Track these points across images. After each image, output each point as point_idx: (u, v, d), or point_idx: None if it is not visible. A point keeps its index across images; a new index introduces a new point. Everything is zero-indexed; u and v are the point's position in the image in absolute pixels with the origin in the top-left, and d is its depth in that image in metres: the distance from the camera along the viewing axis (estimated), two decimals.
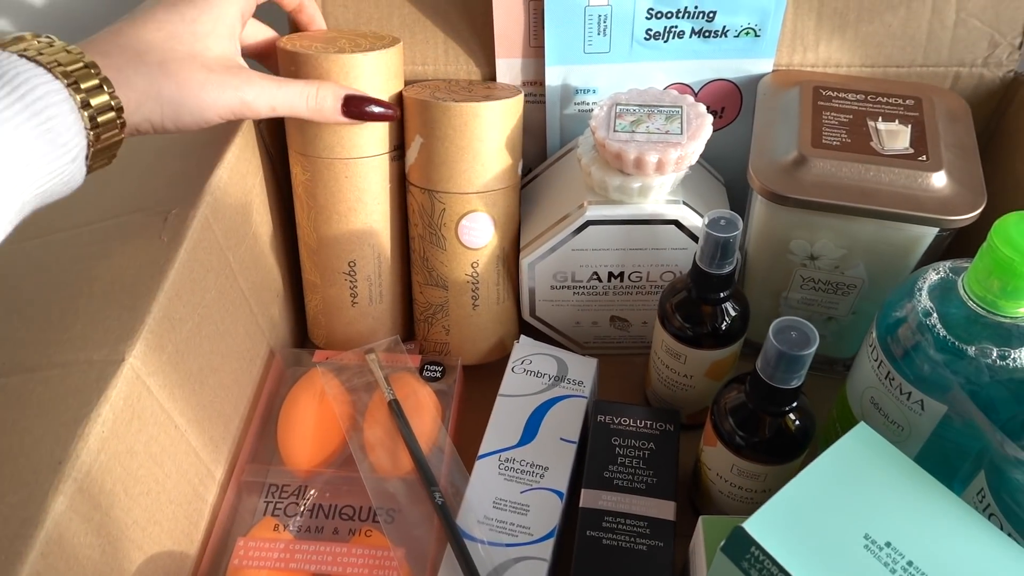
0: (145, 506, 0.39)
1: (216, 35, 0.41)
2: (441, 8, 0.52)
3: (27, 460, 0.35)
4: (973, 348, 0.37)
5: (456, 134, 0.48)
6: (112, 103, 0.35)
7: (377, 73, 0.48)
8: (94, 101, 0.34)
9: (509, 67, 0.53)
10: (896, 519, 0.33)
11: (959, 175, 0.44)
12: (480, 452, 0.47)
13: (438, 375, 0.54)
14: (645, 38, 0.50)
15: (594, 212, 0.48)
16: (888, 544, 0.32)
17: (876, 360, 0.42)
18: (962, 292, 0.38)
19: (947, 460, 0.41)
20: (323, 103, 0.45)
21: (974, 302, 0.37)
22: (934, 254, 0.46)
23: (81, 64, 0.34)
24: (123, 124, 0.36)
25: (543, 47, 0.51)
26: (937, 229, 0.44)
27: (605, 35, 0.50)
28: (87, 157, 0.35)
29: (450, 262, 0.53)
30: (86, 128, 0.34)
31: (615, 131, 0.46)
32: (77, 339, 0.40)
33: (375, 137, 0.50)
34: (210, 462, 0.46)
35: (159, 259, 0.43)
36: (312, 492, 0.49)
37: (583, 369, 0.51)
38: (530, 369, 0.51)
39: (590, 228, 0.49)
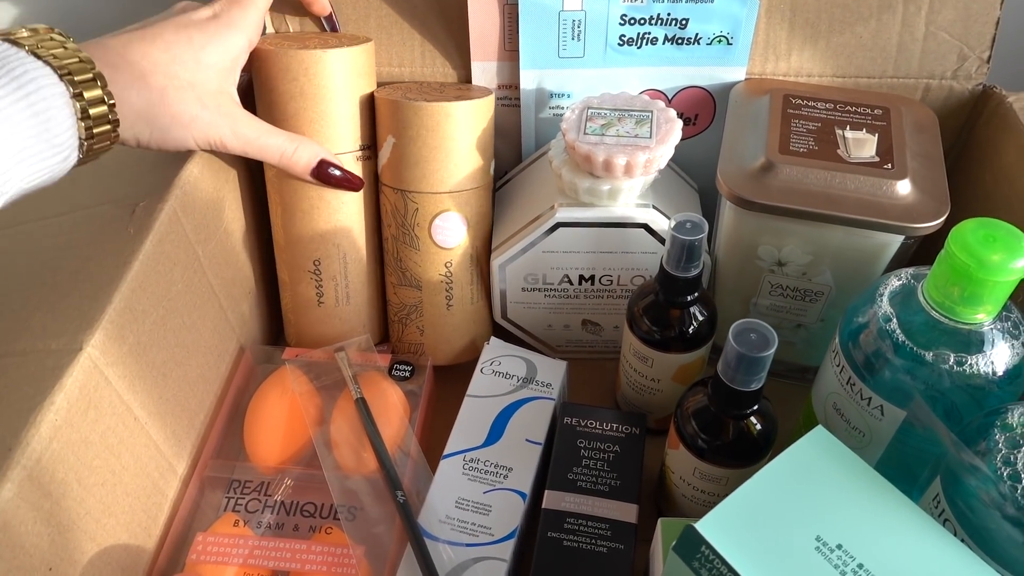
0: (100, 497, 0.39)
1: (219, 68, 0.42)
2: (418, 11, 0.53)
3: None
4: (931, 354, 0.37)
5: (428, 134, 0.48)
6: (110, 116, 0.37)
7: (342, 70, 0.48)
8: (93, 111, 0.36)
9: (484, 70, 0.53)
10: (849, 522, 0.33)
11: (924, 184, 0.45)
12: (445, 452, 0.47)
13: (407, 375, 0.53)
14: (619, 44, 0.51)
15: (564, 214, 0.49)
16: (839, 546, 0.32)
17: (839, 366, 0.42)
18: (921, 299, 0.38)
19: (908, 466, 0.41)
20: (296, 160, 0.47)
21: (933, 308, 0.37)
22: (900, 262, 0.46)
23: (90, 75, 0.35)
24: (115, 137, 0.38)
25: (518, 51, 0.51)
26: (902, 237, 0.44)
27: (579, 40, 0.51)
28: (76, 159, 0.36)
29: (423, 262, 0.53)
30: (81, 135, 0.35)
31: (585, 134, 0.47)
32: (36, 328, 0.39)
33: (340, 135, 0.50)
34: (172, 456, 0.46)
35: (124, 250, 0.43)
36: (277, 489, 0.49)
37: (552, 371, 0.51)
38: (499, 370, 0.51)
39: (560, 230, 0.49)
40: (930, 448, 0.40)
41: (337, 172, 0.48)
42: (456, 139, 0.49)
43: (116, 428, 0.40)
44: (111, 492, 0.40)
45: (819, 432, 0.37)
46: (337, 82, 0.48)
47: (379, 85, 0.54)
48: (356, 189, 0.50)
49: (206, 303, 0.49)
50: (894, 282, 0.40)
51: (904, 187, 0.44)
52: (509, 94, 0.54)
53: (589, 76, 0.52)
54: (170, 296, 0.45)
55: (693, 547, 0.32)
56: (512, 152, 0.57)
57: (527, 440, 0.47)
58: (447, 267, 0.53)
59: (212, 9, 0.43)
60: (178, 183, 0.46)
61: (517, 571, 0.44)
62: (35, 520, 0.34)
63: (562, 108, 0.54)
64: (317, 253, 0.53)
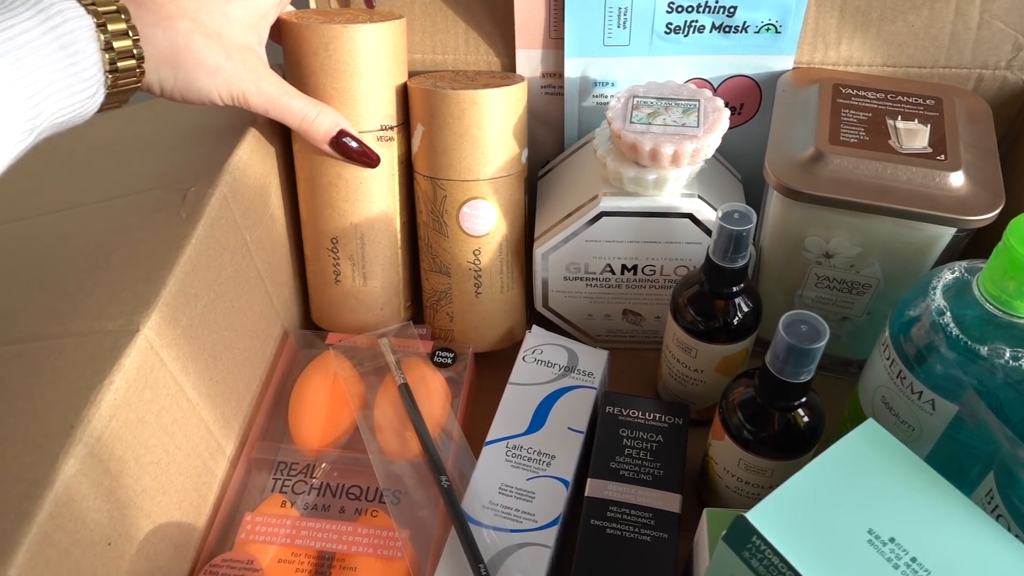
0: (154, 475, 0.40)
1: (245, 23, 0.42)
2: None
3: (40, 424, 0.35)
4: (986, 348, 0.37)
5: (455, 121, 0.48)
6: (134, 51, 0.37)
7: (365, 47, 0.48)
8: (118, 44, 0.35)
9: (529, 58, 0.53)
10: (901, 515, 0.33)
11: (978, 176, 0.44)
12: (488, 438, 0.47)
13: (449, 361, 0.54)
14: (665, 32, 0.50)
15: (608, 203, 0.48)
16: (892, 540, 0.32)
17: (888, 359, 0.41)
18: (976, 292, 0.37)
19: (957, 462, 0.41)
20: (316, 126, 0.46)
21: (989, 302, 0.37)
22: (951, 255, 0.45)
23: (113, 7, 0.35)
24: (141, 73, 0.38)
25: (563, 39, 0.51)
26: (954, 229, 0.43)
27: (625, 28, 0.50)
28: (104, 96, 0.36)
29: (452, 249, 0.53)
30: (105, 67, 0.35)
31: (631, 122, 0.46)
32: (93, 309, 0.40)
33: (360, 113, 0.50)
34: (221, 437, 0.46)
35: (177, 234, 0.43)
36: (321, 471, 0.49)
37: (593, 360, 0.51)
38: (540, 359, 0.51)
39: (604, 219, 0.49)
40: (980, 445, 0.40)
41: (355, 144, 0.48)
42: (483, 127, 0.49)
43: (170, 408, 0.41)
44: (165, 471, 0.40)
45: (870, 425, 0.36)
46: (359, 59, 0.48)
47: (420, 73, 0.54)
48: (372, 165, 0.50)
49: (253, 287, 0.50)
50: (948, 275, 0.40)
51: (958, 179, 0.43)
52: (553, 82, 0.54)
53: (634, 64, 0.52)
54: (220, 280, 0.46)
55: (744, 537, 0.32)
56: (555, 140, 0.57)
57: (569, 428, 0.47)
58: (475, 255, 0.53)
59: None
60: (228, 168, 0.47)
61: (559, 558, 0.44)
62: (95, 496, 0.35)
63: (606, 97, 0.54)
64: (334, 232, 0.53)
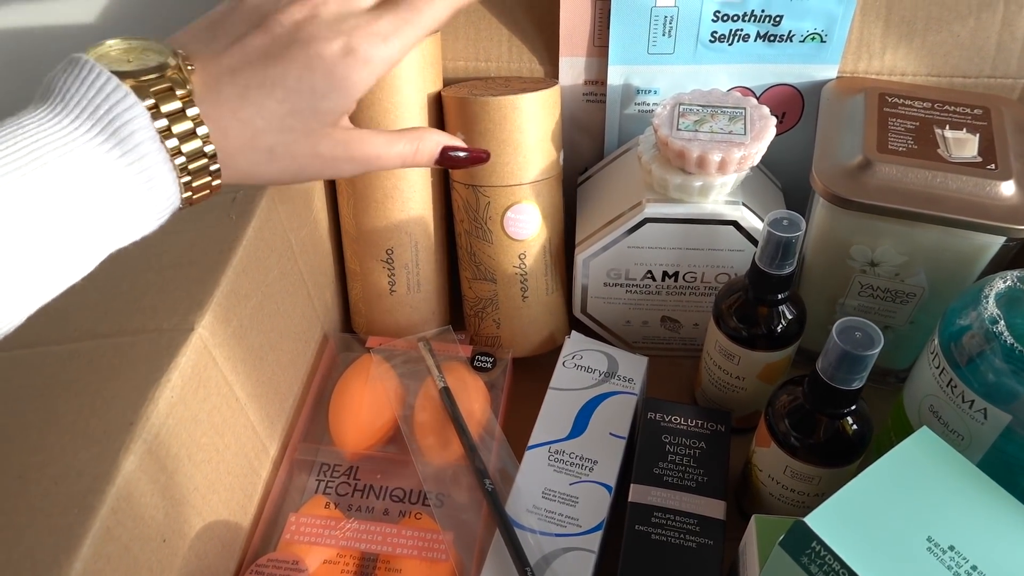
0: (205, 473, 0.40)
1: (337, 114, 0.37)
2: (507, 5, 0.53)
3: (99, 420, 0.36)
4: None
5: (496, 128, 0.49)
6: (212, 183, 0.34)
7: (412, 60, 0.49)
8: (196, 183, 0.33)
9: (572, 65, 0.53)
10: (960, 523, 0.33)
11: None
12: (530, 443, 0.47)
13: (489, 366, 0.54)
14: (710, 40, 0.51)
15: (653, 210, 0.49)
16: (952, 548, 0.32)
17: (938, 367, 0.41)
18: None
19: (1007, 474, 0.40)
20: (419, 159, 0.41)
21: None
22: (998, 265, 0.45)
23: (203, 159, 0.33)
24: (212, 195, 0.35)
25: (607, 46, 0.52)
26: (1004, 239, 0.43)
27: (670, 36, 0.51)
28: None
29: (497, 255, 0.53)
30: (179, 201, 0.33)
31: (678, 129, 0.47)
32: (147, 309, 0.41)
33: (412, 125, 0.50)
34: (265, 438, 0.47)
35: (228, 236, 0.44)
36: (365, 473, 0.50)
37: (633, 367, 0.51)
38: (580, 364, 0.51)
39: (648, 226, 0.49)
40: None
41: (463, 155, 0.42)
42: (523, 131, 0.49)
43: (221, 408, 0.41)
44: (215, 470, 0.41)
45: (924, 432, 0.36)
46: (411, 71, 0.49)
47: (456, 81, 0.54)
48: (485, 162, 0.44)
49: (297, 290, 0.51)
50: (1000, 284, 0.40)
51: (1008, 188, 0.43)
52: (595, 90, 0.54)
53: (677, 72, 0.52)
54: (267, 282, 0.46)
55: (803, 543, 0.32)
56: (594, 148, 0.57)
57: (611, 434, 0.47)
58: (521, 259, 0.53)
59: (343, 41, 0.35)
60: None
61: (603, 563, 0.44)
62: (152, 492, 0.36)
63: (648, 104, 0.54)
64: (390, 242, 0.54)
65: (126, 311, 0.41)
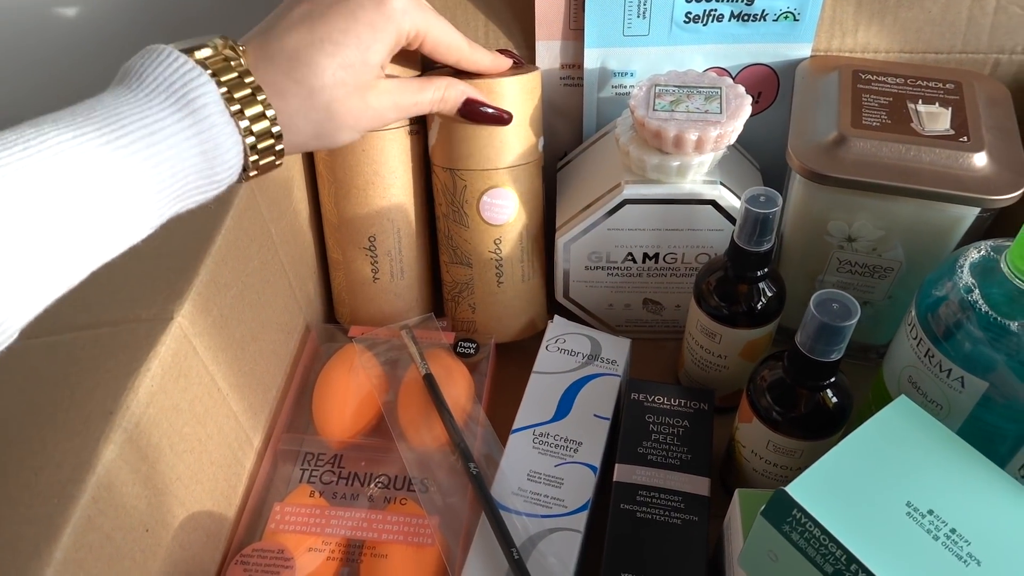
0: (188, 463, 0.40)
1: (381, 63, 0.40)
2: None
3: (78, 411, 0.35)
4: (1016, 324, 0.37)
5: None
6: (275, 147, 0.36)
7: None
8: (260, 145, 0.35)
9: (548, 49, 0.53)
10: (938, 488, 0.33)
11: (1000, 156, 0.44)
12: (514, 426, 0.47)
13: (472, 352, 0.54)
14: (684, 21, 0.51)
15: (631, 191, 0.49)
16: (930, 512, 0.32)
17: (916, 338, 0.42)
18: (1005, 269, 0.38)
19: (985, 442, 0.41)
20: (445, 105, 0.46)
21: (1017, 278, 0.37)
22: (973, 236, 0.46)
23: (259, 108, 0.35)
24: (277, 166, 0.37)
25: (583, 30, 0.52)
26: (978, 209, 0.44)
27: (645, 18, 0.51)
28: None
29: (473, 239, 0.53)
30: (245, 165, 0.35)
31: (655, 110, 0.47)
32: (126, 299, 0.41)
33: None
34: (249, 428, 0.47)
35: (207, 226, 0.44)
36: (350, 461, 0.49)
37: (616, 348, 0.51)
38: (564, 347, 0.51)
39: (627, 207, 0.49)
40: (1008, 426, 0.40)
41: (490, 110, 0.47)
42: None
43: (202, 397, 0.41)
44: (198, 459, 0.41)
45: (903, 401, 0.37)
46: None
47: (435, 68, 0.54)
48: (507, 123, 0.49)
49: (278, 280, 0.50)
50: (974, 254, 0.40)
51: (981, 159, 0.44)
52: (571, 73, 0.54)
53: (653, 54, 0.53)
54: (248, 271, 0.46)
55: (784, 511, 0.32)
56: (573, 132, 0.57)
57: (595, 415, 0.48)
58: (496, 244, 0.53)
59: None
60: None
61: (589, 542, 0.44)
62: (134, 482, 0.35)
63: (624, 87, 0.54)
64: (372, 229, 0.54)
65: (105, 302, 0.41)
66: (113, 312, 0.40)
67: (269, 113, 0.35)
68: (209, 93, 0.33)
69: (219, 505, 0.43)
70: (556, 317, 0.53)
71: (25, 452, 0.34)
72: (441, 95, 0.45)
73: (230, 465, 0.44)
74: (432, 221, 0.57)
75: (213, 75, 0.33)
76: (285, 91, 0.36)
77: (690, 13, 0.50)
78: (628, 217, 0.50)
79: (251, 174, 0.36)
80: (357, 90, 0.39)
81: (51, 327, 0.40)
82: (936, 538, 0.31)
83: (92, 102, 0.31)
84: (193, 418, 0.40)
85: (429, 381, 0.51)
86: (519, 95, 0.49)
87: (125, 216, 0.31)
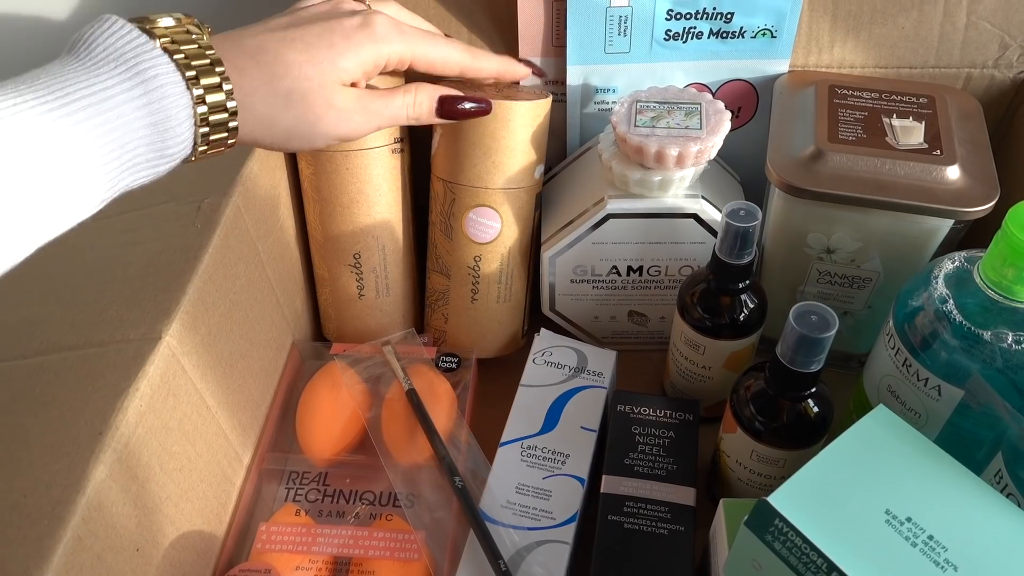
0: (178, 482, 0.40)
1: (353, 74, 0.40)
2: (466, 7, 0.54)
3: (67, 431, 0.36)
4: (989, 333, 0.38)
5: (470, 128, 0.49)
6: (229, 124, 0.35)
7: None
8: (213, 118, 0.34)
9: None
10: (916, 495, 0.34)
11: (973, 169, 0.45)
12: (502, 439, 0.48)
13: (453, 366, 0.54)
14: (664, 39, 0.52)
15: (615, 205, 0.50)
16: (909, 519, 0.33)
17: (893, 348, 0.42)
18: (978, 279, 0.39)
19: (962, 449, 0.41)
20: (420, 109, 0.44)
21: (990, 288, 0.38)
22: (948, 247, 0.47)
23: (216, 79, 0.34)
24: (230, 145, 0.36)
25: (565, 47, 0.53)
26: (952, 221, 0.45)
27: (625, 35, 0.52)
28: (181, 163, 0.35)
29: (455, 252, 0.54)
30: (196, 140, 0.34)
31: (636, 126, 0.48)
32: (113, 320, 0.41)
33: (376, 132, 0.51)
34: (238, 446, 0.47)
35: (193, 245, 0.44)
36: (335, 479, 0.50)
37: (602, 361, 0.51)
38: (550, 360, 0.52)
39: (610, 221, 0.50)
40: (984, 432, 0.41)
41: (468, 105, 0.46)
42: (497, 138, 0.49)
43: (191, 416, 0.41)
44: (188, 478, 0.41)
45: (881, 410, 0.37)
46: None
47: (448, 80, 0.55)
48: (489, 112, 0.47)
49: (265, 298, 0.51)
50: (948, 265, 0.41)
51: (954, 172, 0.45)
52: (555, 90, 0.55)
53: (634, 71, 0.53)
54: (235, 289, 0.46)
55: (766, 521, 0.33)
56: (558, 146, 0.58)
57: (582, 427, 0.48)
58: (476, 261, 0.54)
59: (362, 17, 0.40)
60: (240, 180, 0.48)
61: (578, 553, 0.45)
62: (124, 502, 0.35)
63: (607, 103, 0.55)
64: (357, 247, 0.54)
65: (92, 322, 0.41)
66: (101, 332, 0.40)
67: (226, 86, 0.34)
68: (162, 62, 0.32)
69: (209, 524, 0.43)
70: (543, 330, 0.53)
71: (13, 473, 0.34)
72: (413, 99, 0.44)
73: (220, 483, 0.45)
74: (417, 238, 0.58)
75: (172, 42, 0.33)
76: (245, 69, 0.36)
77: (670, 31, 0.51)
78: (612, 231, 0.51)
79: (201, 149, 0.35)
80: (321, 87, 0.38)
81: (38, 347, 0.40)
82: (914, 545, 0.32)
83: (37, 71, 0.30)
84: (182, 437, 0.40)
85: (412, 396, 0.51)
86: (520, 120, 0.49)
87: (70, 189, 0.29)
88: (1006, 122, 0.54)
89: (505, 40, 0.54)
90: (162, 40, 0.33)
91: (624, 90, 0.54)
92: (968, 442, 0.42)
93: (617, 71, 0.54)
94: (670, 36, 0.52)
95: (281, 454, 0.51)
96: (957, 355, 0.39)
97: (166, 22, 0.34)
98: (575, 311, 0.57)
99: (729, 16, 0.51)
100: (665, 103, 0.49)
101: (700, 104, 0.49)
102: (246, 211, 0.48)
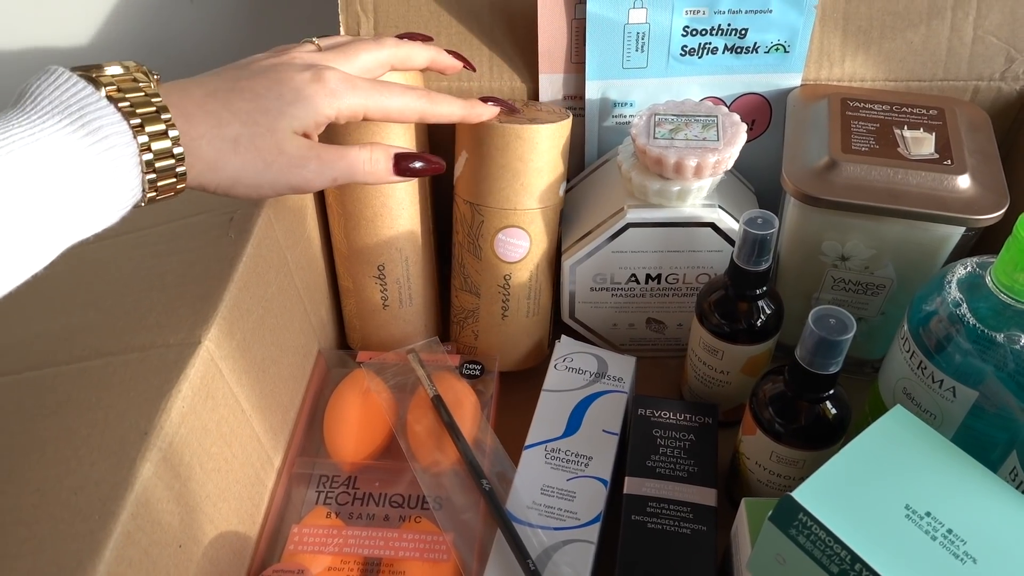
0: (216, 482, 0.41)
1: (302, 124, 0.39)
2: (487, 27, 0.56)
3: (113, 432, 0.37)
4: (1002, 335, 0.39)
5: (498, 153, 0.51)
6: (176, 170, 0.35)
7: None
8: (159, 164, 0.34)
9: (551, 82, 0.56)
10: (934, 491, 0.35)
11: (983, 178, 0.47)
12: (527, 443, 0.49)
13: (477, 373, 0.56)
14: (681, 54, 0.54)
15: (634, 215, 0.51)
16: (928, 514, 0.34)
17: (908, 351, 0.44)
18: (990, 284, 0.40)
19: (977, 451, 0.43)
20: (377, 166, 0.43)
21: (1002, 292, 0.39)
22: (960, 254, 0.48)
23: (162, 127, 0.34)
24: (179, 190, 0.36)
25: (584, 63, 0.54)
26: (963, 229, 0.46)
27: (643, 51, 0.54)
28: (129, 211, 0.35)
29: (484, 272, 0.55)
30: (144, 188, 0.34)
31: (655, 138, 0.49)
32: (153, 326, 0.42)
33: (399, 144, 0.51)
34: (270, 449, 0.48)
35: (228, 254, 0.46)
36: (364, 483, 0.51)
37: (622, 366, 0.53)
38: (571, 366, 0.53)
39: (630, 230, 0.52)
40: (998, 433, 0.42)
41: (419, 164, 0.44)
42: (526, 160, 0.51)
43: (228, 418, 0.42)
44: (225, 478, 0.42)
45: (899, 410, 0.39)
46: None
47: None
48: (441, 171, 0.46)
49: (294, 306, 0.52)
50: (960, 270, 0.42)
51: (964, 181, 0.46)
52: (574, 104, 0.57)
53: (651, 85, 0.55)
54: (267, 297, 0.48)
55: (791, 515, 0.34)
56: (576, 159, 0.60)
57: (604, 431, 0.49)
58: (506, 279, 0.55)
59: (313, 72, 0.39)
60: None
61: (602, 553, 0.46)
62: (168, 499, 0.37)
63: (625, 117, 0.57)
64: (382, 258, 0.56)
65: (132, 329, 0.42)
66: (141, 338, 0.42)
67: (172, 133, 0.34)
68: (107, 112, 0.32)
69: (244, 524, 0.45)
70: (563, 337, 0.55)
71: (63, 472, 0.36)
72: (369, 155, 0.42)
73: (253, 485, 0.46)
74: (439, 249, 0.59)
75: (119, 90, 0.33)
76: (192, 116, 0.35)
77: (686, 46, 0.53)
78: (631, 240, 0.52)
79: (150, 195, 0.34)
80: (271, 131, 0.37)
81: (80, 354, 0.42)
82: (934, 538, 0.33)
83: None
84: (220, 438, 0.42)
85: (437, 402, 0.52)
86: (547, 142, 0.50)
87: (15, 245, 0.29)
88: (1014, 132, 0.56)
89: (525, 58, 0.56)
90: (108, 88, 0.33)
91: (641, 104, 0.56)
92: (983, 443, 0.43)
93: (634, 86, 0.55)
94: (686, 52, 0.53)
95: (309, 459, 0.52)
96: (971, 357, 0.40)
97: (113, 70, 0.34)
98: (594, 318, 0.58)
99: (743, 32, 0.52)
100: (682, 116, 0.50)
101: (717, 116, 0.50)
102: (276, 222, 0.50)
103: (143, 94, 0.33)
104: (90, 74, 0.33)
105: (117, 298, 0.45)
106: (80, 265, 0.50)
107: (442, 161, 0.46)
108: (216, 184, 0.37)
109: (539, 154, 0.51)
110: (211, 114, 0.36)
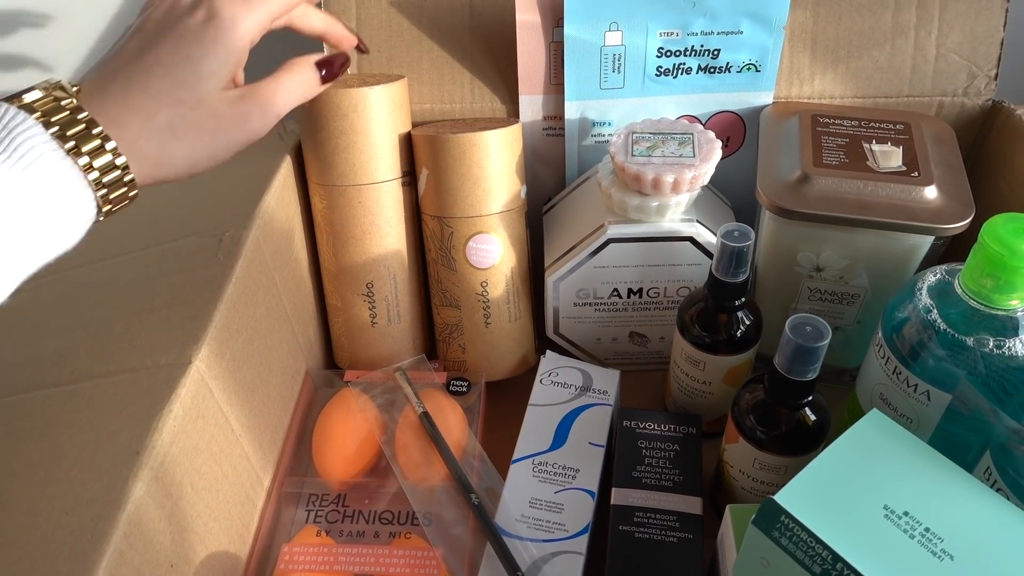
0: (207, 502, 0.41)
1: (222, 74, 0.38)
2: (468, 51, 0.57)
3: (105, 452, 0.37)
4: (972, 339, 0.41)
5: (457, 163, 0.53)
6: (124, 178, 0.34)
7: (386, 105, 0.53)
8: (106, 179, 0.34)
9: (531, 103, 0.57)
10: (912, 491, 0.36)
11: (949, 189, 0.49)
12: (514, 456, 0.49)
13: (464, 390, 0.56)
14: (656, 75, 0.55)
15: (615, 231, 0.52)
16: (906, 513, 0.35)
17: (883, 358, 0.45)
18: (959, 290, 0.41)
19: (953, 453, 0.44)
20: (308, 85, 0.42)
21: (970, 298, 0.41)
22: (930, 262, 0.49)
23: (98, 142, 0.33)
24: (134, 196, 0.36)
25: (563, 84, 0.56)
26: (932, 238, 0.48)
27: (619, 72, 0.55)
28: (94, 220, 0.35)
29: (461, 283, 0.56)
30: (98, 203, 0.34)
31: (633, 156, 0.50)
32: (143, 347, 0.43)
33: (385, 165, 0.54)
34: (260, 469, 0.48)
35: (217, 275, 0.46)
36: (354, 500, 0.51)
37: (607, 380, 0.54)
38: (557, 380, 0.54)
39: (611, 246, 0.53)
40: (972, 436, 0.44)
41: (337, 63, 0.43)
42: (484, 166, 0.53)
43: (218, 438, 0.43)
44: (215, 498, 0.42)
45: (875, 414, 0.40)
46: (383, 116, 0.53)
47: (422, 123, 0.58)
48: (348, 64, 0.44)
49: (282, 326, 0.53)
50: (930, 278, 0.44)
51: (931, 192, 0.48)
52: (554, 124, 0.58)
53: (628, 105, 0.57)
54: (255, 317, 0.48)
55: (773, 518, 0.35)
56: (556, 178, 0.61)
57: (590, 443, 0.50)
58: (483, 287, 0.56)
59: (204, 10, 0.37)
60: (259, 213, 0.50)
61: (591, 563, 0.46)
62: (160, 518, 0.37)
63: (603, 136, 0.58)
64: (370, 276, 0.57)
65: (123, 351, 0.43)
66: (132, 359, 0.42)
67: (109, 145, 0.33)
68: (40, 141, 0.31)
69: (235, 544, 0.45)
70: (548, 352, 0.56)
71: (54, 493, 0.36)
72: (299, 75, 0.41)
73: (243, 504, 0.46)
74: (424, 266, 0.60)
75: (43, 115, 0.32)
76: (121, 120, 0.35)
77: (661, 67, 0.55)
78: (612, 255, 0.53)
79: (105, 209, 0.34)
80: (199, 103, 0.37)
81: (71, 376, 0.42)
82: (912, 537, 0.34)
83: None
84: (210, 458, 0.42)
85: (426, 419, 0.53)
86: (501, 147, 0.53)
87: None
88: (977, 145, 0.58)
89: (505, 80, 0.57)
90: (33, 116, 0.32)
91: (619, 123, 0.58)
92: (958, 445, 0.44)
93: (612, 105, 0.57)
94: (661, 72, 0.55)
95: (298, 478, 0.52)
96: (944, 362, 0.42)
97: (32, 96, 0.33)
98: (578, 333, 0.59)
99: (716, 52, 0.54)
100: (659, 134, 0.52)
101: (692, 134, 0.52)
102: (264, 243, 0.50)
103: (68, 112, 0.33)
104: (14, 104, 0.32)
105: (107, 320, 0.46)
106: (70, 288, 0.50)
107: (347, 53, 0.45)
108: (174, 175, 0.37)
109: (495, 159, 0.53)
110: (136, 109, 0.35)
